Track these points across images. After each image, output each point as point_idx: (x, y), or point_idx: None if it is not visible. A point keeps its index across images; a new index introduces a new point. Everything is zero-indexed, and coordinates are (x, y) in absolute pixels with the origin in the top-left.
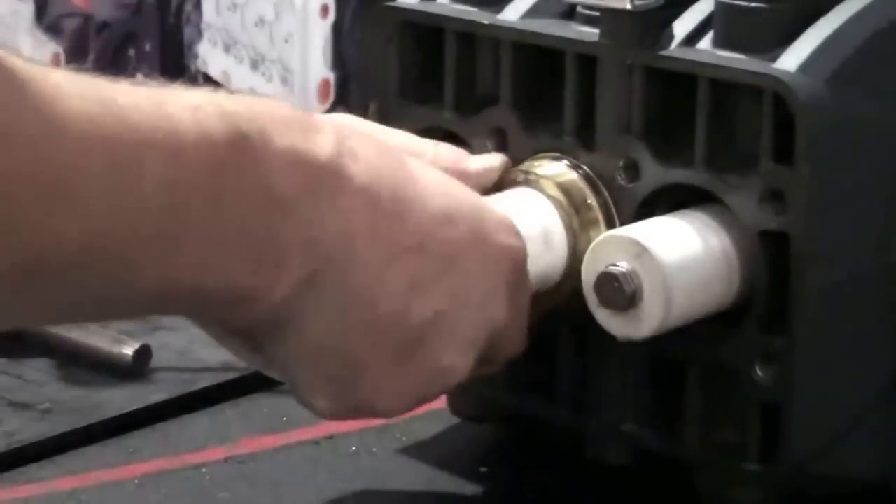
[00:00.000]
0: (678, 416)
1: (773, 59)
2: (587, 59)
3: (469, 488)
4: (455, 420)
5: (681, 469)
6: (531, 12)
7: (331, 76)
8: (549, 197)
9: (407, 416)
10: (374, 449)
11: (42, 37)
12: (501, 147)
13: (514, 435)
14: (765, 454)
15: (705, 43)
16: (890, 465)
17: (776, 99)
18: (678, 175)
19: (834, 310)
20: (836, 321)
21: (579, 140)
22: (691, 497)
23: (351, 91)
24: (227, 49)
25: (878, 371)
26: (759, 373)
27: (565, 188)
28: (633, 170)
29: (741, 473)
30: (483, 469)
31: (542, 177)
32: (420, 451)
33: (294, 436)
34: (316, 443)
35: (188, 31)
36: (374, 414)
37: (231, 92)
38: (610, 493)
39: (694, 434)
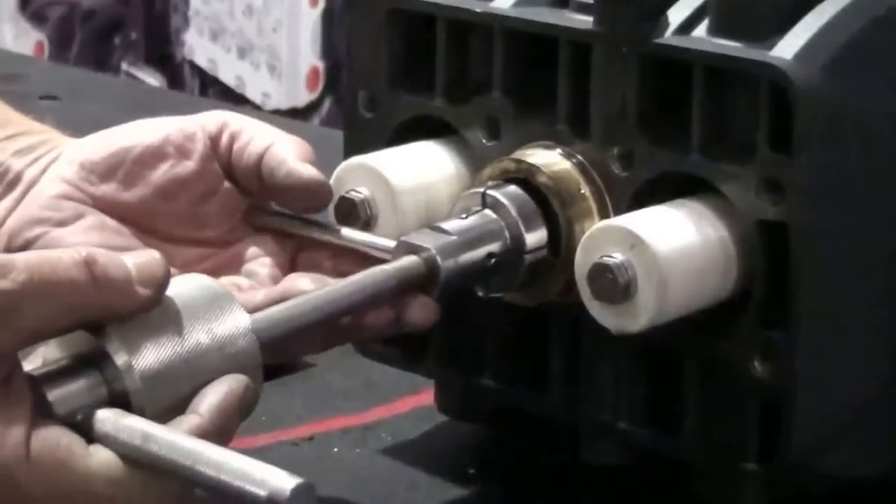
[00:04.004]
0: (674, 414)
1: (770, 47)
2: (581, 47)
3: (455, 491)
4: (443, 418)
5: (677, 469)
6: None
7: (320, 65)
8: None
9: (391, 414)
10: (358, 450)
11: (25, 25)
12: (493, 135)
13: (503, 435)
14: (764, 452)
15: (701, 30)
16: (892, 462)
17: (773, 87)
18: (674, 164)
19: (835, 302)
20: (837, 314)
21: (573, 129)
22: (687, 498)
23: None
24: (214, 37)
25: (880, 365)
26: (758, 367)
27: (558, 178)
28: (627, 159)
29: (740, 473)
30: (471, 470)
31: (534, 166)
32: (405, 451)
33: (275, 436)
34: (296, 444)
35: (175, 20)
36: None
37: None
38: (602, 494)
39: (691, 432)
